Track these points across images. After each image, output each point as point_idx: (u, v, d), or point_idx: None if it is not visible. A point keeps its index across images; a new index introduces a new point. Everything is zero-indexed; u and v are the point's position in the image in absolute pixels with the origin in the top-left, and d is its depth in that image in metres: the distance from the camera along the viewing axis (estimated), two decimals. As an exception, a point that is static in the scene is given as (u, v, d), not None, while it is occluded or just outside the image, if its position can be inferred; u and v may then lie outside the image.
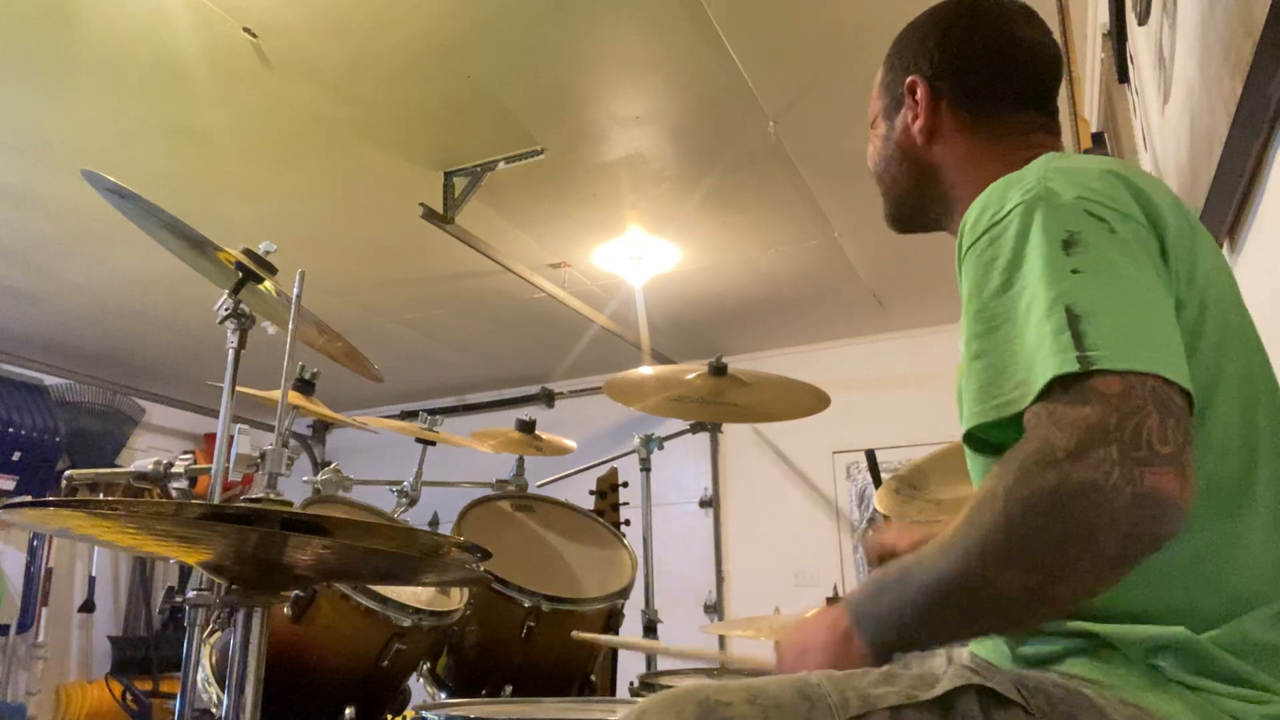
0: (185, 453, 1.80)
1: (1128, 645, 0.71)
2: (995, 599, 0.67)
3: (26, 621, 4.75)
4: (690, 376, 2.40)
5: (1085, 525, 0.62)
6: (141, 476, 1.70)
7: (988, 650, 0.83)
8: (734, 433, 5.15)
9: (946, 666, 0.72)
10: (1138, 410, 0.63)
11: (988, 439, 0.73)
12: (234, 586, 1.13)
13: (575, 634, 1.52)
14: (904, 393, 4.76)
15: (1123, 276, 0.69)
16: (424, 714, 1.27)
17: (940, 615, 0.70)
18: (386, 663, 1.71)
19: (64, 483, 1.92)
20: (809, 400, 2.49)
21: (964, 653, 0.86)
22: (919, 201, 1.03)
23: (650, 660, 2.35)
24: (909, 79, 1.01)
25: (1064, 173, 0.76)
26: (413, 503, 2.53)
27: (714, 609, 4.89)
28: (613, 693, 2.53)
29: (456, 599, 1.87)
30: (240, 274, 1.63)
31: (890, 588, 0.74)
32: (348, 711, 1.67)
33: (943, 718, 0.68)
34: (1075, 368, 0.65)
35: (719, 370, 2.37)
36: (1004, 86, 0.98)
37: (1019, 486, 0.65)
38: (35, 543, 4.84)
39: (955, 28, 1.01)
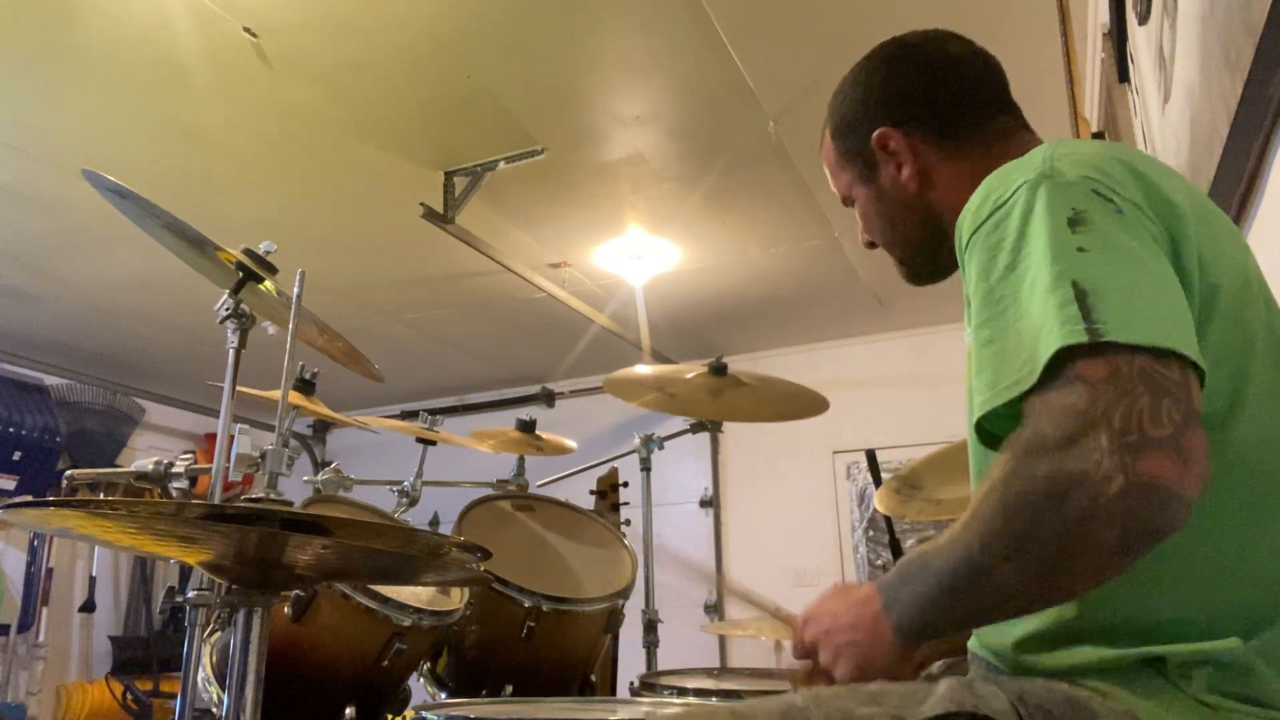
0: (185, 453, 1.79)
1: (1174, 656, 0.69)
2: (996, 590, 0.66)
3: (27, 621, 4.76)
4: (690, 376, 2.40)
5: (1080, 517, 0.60)
6: (142, 476, 1.70)
7: (990, 653, 0.83)
8: (734, 433, 5.15)
9: (941, 683, 0.71)
10: (1126, 392, 0.61)
11: (996, 431, 0.70)
12: (234, 586, 1.13)
13: None
14: (904, 393, 4.76)
15: (1130, 256, 0.67)
16: (424, 714, 1.27)
17: (952, 604, 0.70)
18: (386, 662, 1.71)
19: (64, 483, 1.91)
20: (809, 402, 2.49)
21: (963, 665, 0.85)
22: (932, 247, 1.00)
23: (650, 660, 2.35)
24: (876, 134, 0.99)
25: (1070, 156, 0.75)
26: (413, 503, 2.53)
27: (714, 609, 4.89)
28: (613, 693, 2.53)
29: (457, 599, 1.87)
30: (240, 274, 1.63)
31: (912, 575, 0.73)
32: (348, 711, 1.67)
33: None
34: (1084, 339, 0.62)
35: (719, 370, 2.38)
36: (969, 103, 0.97)
37: (1013, 477, 0.63)
38: (35, 543, 4.84)
39: (898, 67, 1.00)
